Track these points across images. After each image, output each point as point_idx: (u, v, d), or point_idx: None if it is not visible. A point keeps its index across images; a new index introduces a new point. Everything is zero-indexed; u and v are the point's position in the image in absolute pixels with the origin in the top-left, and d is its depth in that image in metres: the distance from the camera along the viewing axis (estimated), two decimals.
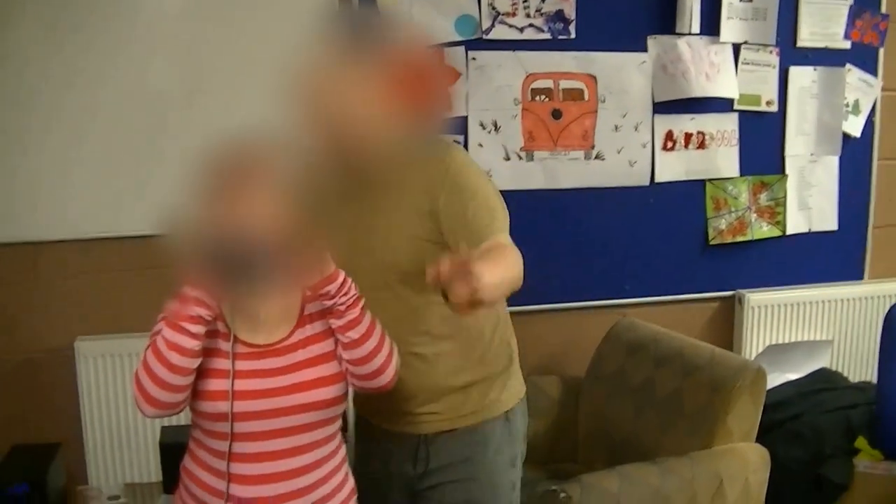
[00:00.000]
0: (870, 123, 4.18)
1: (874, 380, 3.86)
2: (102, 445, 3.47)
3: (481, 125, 3.67)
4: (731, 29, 3.87)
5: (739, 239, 4.06)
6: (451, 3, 3.57)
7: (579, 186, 3.82)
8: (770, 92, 4.00)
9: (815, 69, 4.06)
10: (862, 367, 4.26)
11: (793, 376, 3.98)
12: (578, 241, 3.86)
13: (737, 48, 3.91)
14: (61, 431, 3.46)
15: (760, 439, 3.23)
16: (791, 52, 4.00)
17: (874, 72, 4.14)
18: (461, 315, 1.87)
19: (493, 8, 3.59)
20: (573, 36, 3.71)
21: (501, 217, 2.20)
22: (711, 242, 4.02)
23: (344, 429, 2.23)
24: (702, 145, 3.93)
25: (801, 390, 3.81)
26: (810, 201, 4.15)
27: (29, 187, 3.34)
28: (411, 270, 2.18)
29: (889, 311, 3.69)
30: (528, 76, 3.68)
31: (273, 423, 1.98)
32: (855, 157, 4.18)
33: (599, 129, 3.79)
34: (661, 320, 3.77)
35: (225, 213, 1.90)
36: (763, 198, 4.06)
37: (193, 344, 1.92)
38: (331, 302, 1.99)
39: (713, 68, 3.87)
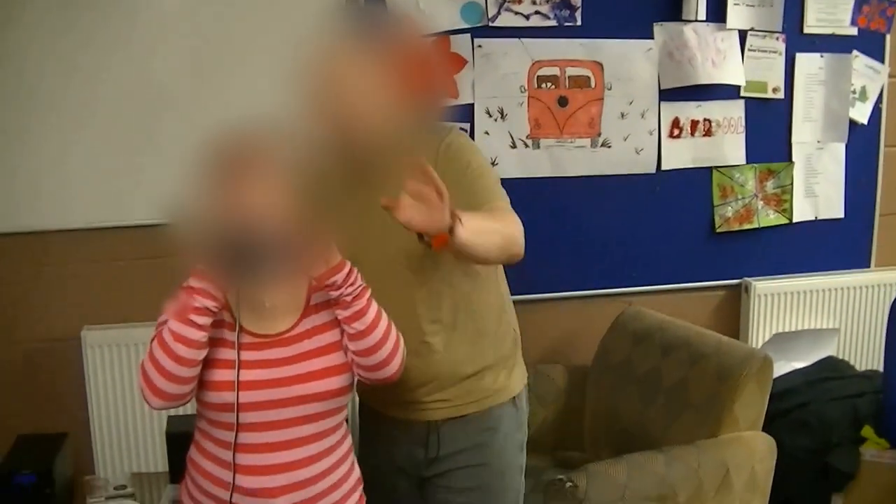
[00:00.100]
0: (877, 110, 4.15)
1: (881, 368, 3.85)
2: (109, 435, 3.48)
3: (487, 113, 3.66)
4: (737, 15, 3.85)
5: (746, 227, 4.05)
6: None
7: (585, 174, 3.81)
8: (776, 79, 3.98)
9: (821, 56, 4.04)
10: (869, 355, 4.24)
11: (799, 365, 3.97)
12: (585, 229, 3.85)
13: (743, 35, 3.89)
14: (68, 421, 3.47)
15: (767, 428, 3.23)
16: (797, 39, 3.98)
17: (881, 58, 4.11)
18: (435, 248, 1.94)
19: None
20: (579, 23, 3.69)
21: (499, 189, 2.23)
22: (718, 230, 4.01)
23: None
24: (708, 132, 3.92)
25: (807, 379, 3.80)
26: (817, 189, 4.14)
27: (35, 177, 3.34)
28: (419, 256, 2.20)
29: None
30: (534, 63, 3.67)
31: (278, 414, 1.98)
32: (862, 144, 4.16)
33: (606, 116, 3.78)
34: (668, 309, 3.76)
35: (230, 202, 1.90)
36: (770, 185, 4.05)
37: (200, 335, 1.92)
38: (337, 292, 1.99)
39: (719, 55, 3.85)
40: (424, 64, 2.09)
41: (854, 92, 4.09)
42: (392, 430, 2.39)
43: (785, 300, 4.08)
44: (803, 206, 4.12)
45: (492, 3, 3.58)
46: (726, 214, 4.01)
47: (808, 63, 4.02)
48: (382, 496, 2.35)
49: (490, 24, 3.60)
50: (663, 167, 3.88)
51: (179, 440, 2.64)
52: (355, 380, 2.11)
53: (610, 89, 3.76)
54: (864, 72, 4.09)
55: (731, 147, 3.97)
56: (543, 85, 3.69)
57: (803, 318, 4.14)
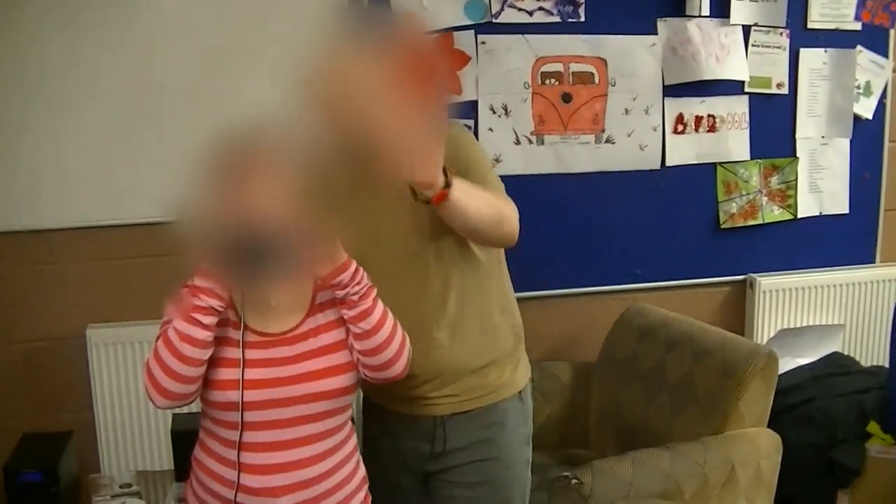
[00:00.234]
0: (881, 105, 4.15)
1: (886, 364, 3.85)
2: (114, 433, 3.48)
3: (491, 109, 3.65)
4: (741, 11, 3.84)
5: (750, 223, 4.04)
6: None
7: (590, 170, 3.80)
8: (780, 74, 3.98)
9: (825, 51, 4.03)
10: (874, 350, 4.24)
11: (804, 361, 3.97)
12: (589, 225, 3.85)
13: (747, 30, 3.89)
14: (73, 420, 3.47)
15: (772, 424, 3.22)
16: (801, 34, 3.98)
17: (885, 53, 4.11)
18: (433, 203, 1.94)
19: None
20: (583, 19, 3.69)
21: (497, 180, 2.26)
22: (722, 226, 4.01)
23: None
24: (712, 128, 3.92)
25: (812, 375, 3.80)
26: (821, 184, 4.13)
27: (39, 175, 3.34)
28: (424, 253, 2.22)
29: None
30: (537, 60, 3.67)
31: (283, 413, 1.98)
32: (866, 139, 4.15)
33: (610, 112, 3.78)
34: (672, 305, 3.76)
35: (234, 201, 1.89)
36: (774, 181, 4.05)
37: (205, 335, 1.92)
38: (343, 291, 1.98)
39: (723, 50, 3.85)
40: (429, 62, 2.09)
41: (858, 87, 4.08)
42: (397, 426, 2.39)
43: (790, 296, 4.08)
44: (808, 201, 4.12)
45: (495, 0, 3.57)
46: (731, 210, 4.00)
47: (812, 58, 4.01)
48: (386, 492, 2.35)
49: (493, 20, 3.59)
50: (667, 163, 3.88)
51: (185, 438, 2.64)
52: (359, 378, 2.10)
53: (614, 85, 3.76)
54: (868, 67, 4.08)
55: (735, 143, 3.97)
56: (547, 81, 3.69)
57: (808, 314, 4.14)
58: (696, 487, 2.92)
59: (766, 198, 4.05)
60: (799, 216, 4.11)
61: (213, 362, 1.96)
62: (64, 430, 3.42)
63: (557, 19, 3.66)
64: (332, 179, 2.17)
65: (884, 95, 4.14)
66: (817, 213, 4.15)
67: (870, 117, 4.13)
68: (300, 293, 2.06)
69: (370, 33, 2.09)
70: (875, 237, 4.25)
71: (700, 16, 3.79)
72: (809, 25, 3.98)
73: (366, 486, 2.17)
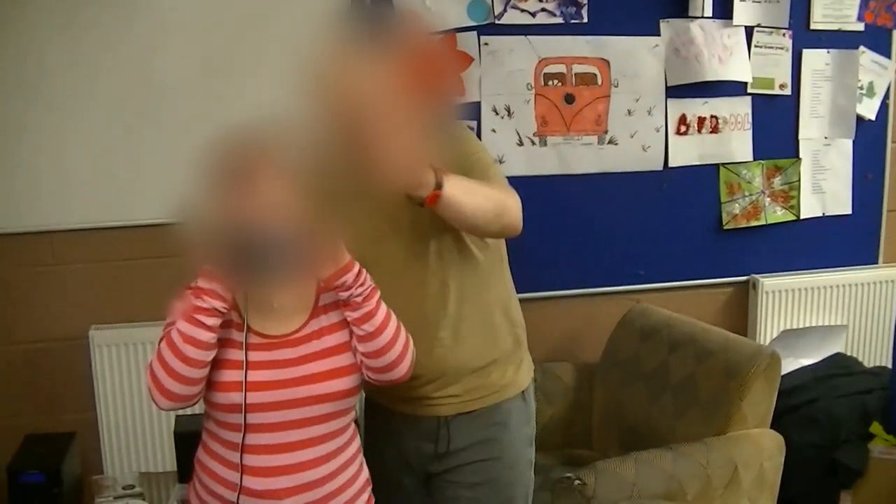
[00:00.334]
0: (884, 106, 4.14)
1: (889, 364, 3.85)
2: (117, 435, 3.48)
3: (494, 111, 3.66)
4: (743, 12, 3.84)
5: (753, 223, 4.04)
6: None
7: (592, 171, 3.81)
8: (783, 75, 3.98)
9: (828, 52, 4.03)
10: (877, 351, 4.24)
11: (807, 361, 3.97)
12: (591, 226, 3.85)
13: (749, 31, 3.89)
14: (76, 421, 3.48)
15: (775, 424, 3.22)
16: (804, 35, 3.98)
17: (888, 54, 4.11)
18: (426, 205, 1.96)
19: None
20: (585, 20, 3.69)
21: (499, 173, 2.26)
22: (725, 227, 4.01)
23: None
24: (715, 129, 3.92)
25: (815, 375, 3.80)
26: (824, 185, 4.13)
27: (41, 176, 3.35)
28: (426, 253, 2.23)
29: None
30: (540, 61, 3.67)
31: (286, 415, 1.98)
32: (869, 140, 4.15)
33: (612, 113, 3.78)
34: (675, 306, 3.76)
35: (237, 202, 1.89)
36: (777, 182, 4.04)
37: (209, 336, 1.91)
38: (347, 293, 1.98)
39: (726, 51, 3.85)
40: (432, 63, 2.09)
41: (861, 88, 4.08)
42: (400, 426, 2.39)
43: (792, 297, 4.08)
44: (811, 202, 4.12)
45: (498, 1, 3.58)
46: (733, 211, 4.00)
47: (814, 59, 4.01)
48: (388, 493, 2.34)
49: (496, 21, 3.60)
50: (670, 164, 3.88)
51: (188, 439, 2.64)
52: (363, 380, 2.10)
53: (616, 86, 3.76)
54: (871, 67, 4.08)
55: (738, 144, 3.97)
56: (550, 82, 3.69)
57: (811, 315, 4.14)
58: (699, 488, 2.92)
59: (768, 199, 4.04)
60: (802, 217, 4.11)
61: (216, 364, 1.96)
62: (67, 431, 3.43)
63: (560, 20, 3.66)
64: (334, 180, 2.17)
65: (886, 96, 4.14)
66: (820, 214, 4.15)
67: (872, 118, 4.13)
68: (303, 295, 2.06)
69: (372, 34, 2.09)
70: (878, 238, 4.25)
71: (703, 17, 3.79)
72: (812, 26, 3.98)
73: (369, 488, 2.17)
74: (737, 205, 4.00)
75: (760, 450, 3.10)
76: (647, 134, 3.83)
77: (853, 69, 4.06)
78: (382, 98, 1.87)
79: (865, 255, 4.25)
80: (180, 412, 2.72)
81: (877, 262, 4.27)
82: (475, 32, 3.59)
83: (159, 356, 1.94)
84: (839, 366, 3.89)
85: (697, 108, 3.88)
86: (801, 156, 4.07)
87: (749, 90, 3.93)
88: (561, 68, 3.69)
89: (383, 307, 2.03)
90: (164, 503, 3.34)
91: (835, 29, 4.00)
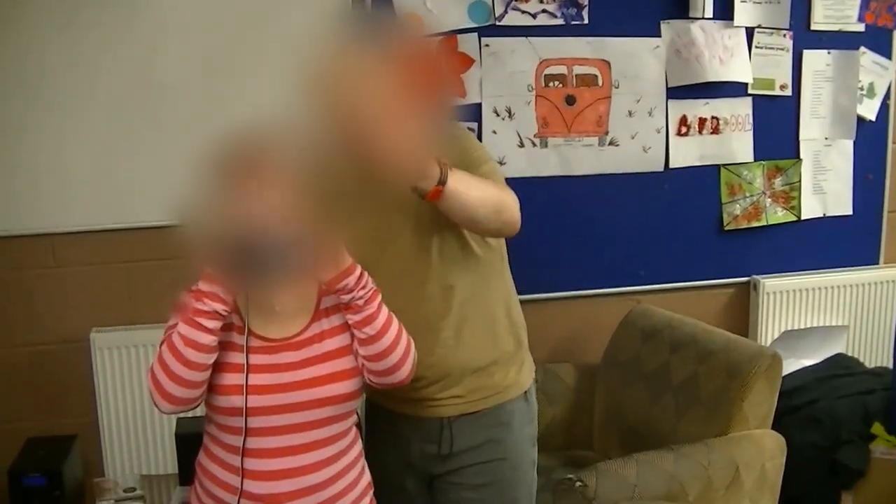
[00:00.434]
0: (884, 107, 4.14)
1: (890, 365, 3.85)
2: (118, 437, 3.48)
3: (495, 112, 3.65)
4: (744, 12, 3.84)
5: (754, 224, 4.04)
6: None
7: (593, 173, 3.80)
8: (784, 76, 3.97)
9: (829, 52, 4.03)
10: (878, 352, 4.23)
11: (808, 362, 3.97)
12: (593, 227, 3.85)
13: (750, 32, 3.88)
14: (77, 423, 3.47)
15: (776, 425, 3.23)
16: (805, 36, 3.97)
17: (889, 54, 4.11)
18: (429, 199, 1.97)
19: None
20: (586, 21, 3.69)
21: (499, 172, 2.28)
22: (726, 228, 4.01)
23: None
24: (716, 130, 3.92)
25: (816, 376, 3.80)
26: (825, 185, 4.13)
27: (44, 179, 3.34)
28: (427, 253, 2.23)
29: None
30: (541, 62, 3.67)
31: (287, 419, 1.98)
32: (870, 140, 4.15)
33: (613, 114, 3.78)
34: (676, 307, 3.76)
35: (239, 205, 1.89)
36: (778, 182, 4.04)
37: (209, 339, 1.91)
38: (349, 296, 1.98)
39: (727, 52, 3.85)
40: (432, 65, 2.10)
41: (862, 88, 4.08)
42: (403, 428, 2.38)
43: (793, 297, 4.08)
44: (811, 203, 4.12)
45: (499, 2, 3.57)
46: (734, 212, 4.00)
47: (815, 60, 4.01)
48: (390, 495, 2.35)
49: (497, 22, 3.59)
50: (671, 165, 3.88)
51: (189, 442, 2.64)
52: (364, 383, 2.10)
53: (617, 87, 3.76)
54: (871, 68, 4.08)
55: (738, 144, 3.97)
56: (551, 83, 3.69)
57: (812, 316, 4.13)
58: (701, 489, 2.92)
59: (769, 199, 4.04)
60: (802, 218, 4.11)
61: (217, 367, 1.96)
62: (68, 434, 3.42)
63: (561, 22, 3.66)
64: (335, 182, 2.17)
65: (887, 97, 4.13)
66: (821, 215, 4.14)
67: (873, 119, 4.12)
68: (305, 298, 2.06)
69: (373, 35, 2.09)
70: (879, 238, 4.25)
71: (703, 18, 3.78)
72: (813, 27, 3.97)
73: (371, 492, 2.17)
74: (738, 205, 4.00)
75: (762, 450, 3.10)
76: (647, 135, 3.83)
77: (854, 70, 4.05)
78: (384, 94, 1.88)
79: (866, 255, 4.24)
80: (181, 414, 2.73)
81: (878, 263, 4.27)
82: (476, 34, 3.59)
83: (160, 359, 1.94)
84: (840, 366, 3.89)
85: (698, 108, 3.87)
86: (801, 156, 4.07)
87: (750, 91, 3.93)
88: (562, 69, 3.69)
89: (384, 310, 2.03)
90: None
91: (835, 30, 4.00)
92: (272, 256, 1.89)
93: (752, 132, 3.97)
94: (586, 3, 3.66)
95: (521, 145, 3.70)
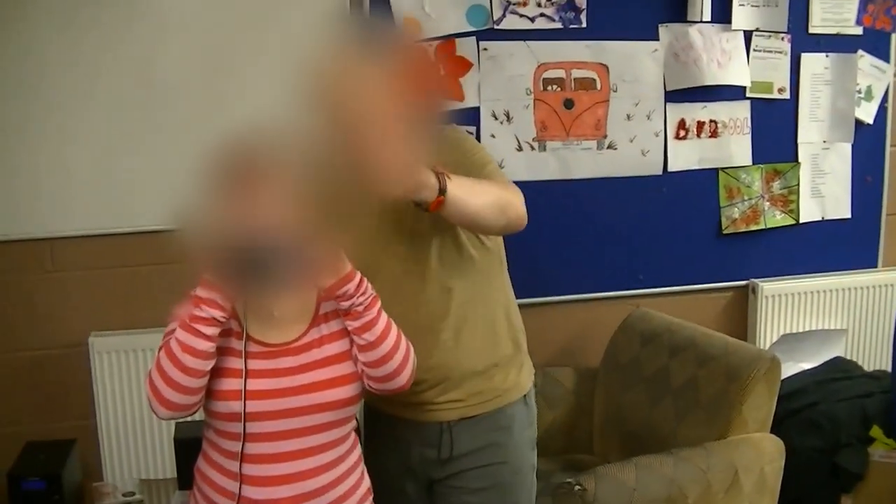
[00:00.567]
0: (882, 110, 4.15)
1: (889, 368, 3.85)
2: (117, 441, 3.47)
3: (493, 116, 3.66)
4: (742, 16, 3.85)
5: (753, 228, 4.05)
6: None
7: (592, 176, 3.80)
8: (782, 79, 3.98)
9: (827, 56, 4.04)
10: (876, 355, 4.24)
11: (807, 365, 3.98)
12: (591, 231, 3.85)
13: (748, 35, 3.89)
14: (76, 428, 3.47)
15: (776, 429, 3.22)
16: (803, 39, 3.98)
17: (887, 58, 4.12)
18: (432, 210, 1.96)
19: None
20: (584, 25, 3.69)
21: (500, 171, 2.30)
22: (724, 231, 4.01)
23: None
24: (714, 133, 3.92)
25: (815, 379, 3.80)
26: (823, 189, 4.13)
27: (41, 183, 3.34)
28: (427, 257, 2.23)
29: None
30: (539, 66, 3.67)
31: (286, 424, 1.97)
32: (868, 143, 4.16)
33: (612, 118, 3.78)
34: (675, 310, 3.76)
35: (238, 210, 1.88)
36: (776, 186, 4.05)
37: (207, 346, 1.91)
38: (348, 302, 1.97)
39: (725, 56, 3.85)
40: (430, 69, 2.10)
41: (860, 91, 4.08)
42: (403, 432, 2.38)
43: (792, 301, 4.08)
44: (810, 206, 4.12)
45: (497, 6, 3.58)
46: (733, 215, 4.00)
47: (813, 63, 4.02)
48: (390, 500, 2.34)
49: (495, 26, 3.60)
50: (669, 168, 3.88)
51: (188, 446, 2.64)
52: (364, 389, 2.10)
53: (616, 91, 3.76)
54: (869, 71, 4.09)
55: (737, 148, 3.97)
56: (549, 87, 3.69)
57: (811, 319, 4.14)
58: (700, 493, 2.92)
59: (768, 203, 4.05)
60: (801, 221, 4.11)
61: (215, 372, 1.95)
62: (67, 438, 3.42)
63: (559, 25, 3.66)
64: (334, 187, 2.17)
65: (885, 100, 4.14)
66: (819, 218, 4.15)
67: (871, 122, 4.13)
68: (304, 303, 2.05)
69: (371, 40, 2.09)
70: (877, 242, 4.26)
71: (702, 21, 3.79)
72: (811, 30, 3.98)
73: (371, 497, 2.16)
74: (736, 209, 4.00)
75: (761, 454, 3.10)
76: (646, 138, 3.83)
77: (852, 73, 4.06)
78: (381, 99, 1.88)
79: (865, 258, 4.25)
80: (180, 419, 2.73)
81: (876, 266, 4.28)
82: (474, 38, 3.59)
83: (158, 365, 1.93)
84: (839, 370, 3.89)
85: (696, 112, 3.88)
86: (800, 160, 4.07)
87: (748, 94, 3.94)
88: (560, 73, 3.70)
89: (384, 316, 2.03)
90: None
91: (833, 33, 4.01)
92: (271, 263, 1.88)
93: (750, 135, 3.97)
94: (584, 6, 3.67)
95: (520, 149, 3.70)
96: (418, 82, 2.08)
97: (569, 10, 3.65)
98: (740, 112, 3.94)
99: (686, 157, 3.90)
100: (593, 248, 3.87)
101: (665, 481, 2.89)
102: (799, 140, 4.06)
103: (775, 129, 4.02)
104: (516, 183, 2.27)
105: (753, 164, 4.00)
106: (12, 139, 3.31)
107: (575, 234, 3.82)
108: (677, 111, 3.85)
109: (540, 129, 3.71)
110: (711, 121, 3.90)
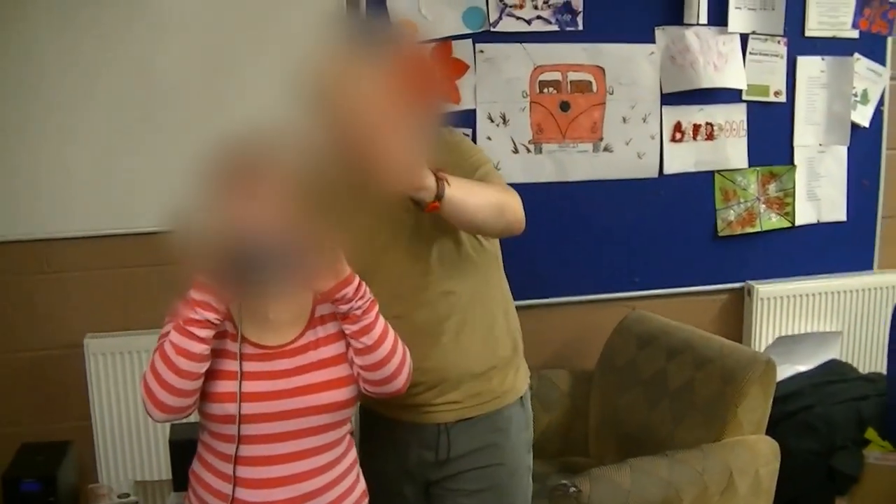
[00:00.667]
0: (878, 113, 4.15)
1: (884, 371, 3.85)
2: (113, 443, 3.47)
3: (489, 118, 3.66)
4: (739, 19, 3.85)
5: (748, 230, 4.05)
6: None
7: (588, 179, 3.80)
8: (778, 82, 3.98)
9: (823, 59, 4.04)
10: (872, 358, 4.24)
11: (803, 368, 3.98)
12: (587, 233, 3.85)
13: (745, 38, 3.89)
14: (72, 429, 3.46)
15: (772, 431, 3.22)
16: (799, 42, 3.98)
17: (883, 61, 4.12)
18: (429, 210, 1.96)
19: (501, 0, 3.58)
20: (581, 28, 3.69)
21: (497, 174, 2.30)
22: (720, 234, 4.01)
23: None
24: (710, 136, 3.92)
25: (811, 382, 3.81)
26: (819, 192, 4.14)
27: (38, 184, 3.34)
28: (426, 259, 2.24)
29: None
30: (536, 68, 3.67)
31: (282, 426, 1.97)
32: (864, 146, 4.16)
33: (608, 120, 3.78)
34: (671, 313, 3.76)
35: (233, 212, 1.88)
36: (772, 188, 4.05)
37: (201, 348, 1.90)
38: (347, 306, 1.97)
39: (721, 59, 3.85)
40: (426, 71, 2.11)
41: (856, 95, 4.09)
42: (400, 434, 2.38)
43: (788, 303, 4.08)
44: (806, 209, 4.12)
45: (493, 9, 3.58)
46: (729, 218, 4.01)
47: (809, 66, 4.02)
48: (388, 503, 2.35)
49: (492, 29, 3.60)
50: (665, 171, 3.88)
51: (183, 448, 2.64)
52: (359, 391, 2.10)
53: (612, 94, 3.76)
54: (865, 74, 4.09)
55: (733, 150, 3.97)
56: (545, 90, 3.69)
57: (806, 322, 4.14)
58: (695, 495, 2.92)
59: (764, 205, 4.05)
60: (797, 224, 4.11)
61: (210, 374, 1.95)
62: (63, 440, 3.42)
63: (556, 28, 3.67)
64: (333, 189, 2.17)
65: (881, 103, 4.15)
66: (815, 221, 4.15)
67: (867, 125, 4.13)
68: (299, 306, 2.05)
69: (368, 42, 2.10)
70: (872, 244, 4.26)
71: (698, 24, 3.79)
72: (807, 33, 3.98)
73: (366, 500, 2.16)
74: (732, 211, 4.01)
75: (756, 456, 3.10)
76: (642, 141, 3.83)
77: (848, 76, 4.06)
78: (377, 101, 1.88)
79: (860, 261, 4.25)
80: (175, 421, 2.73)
81: (871, 269, 4.28)
82: (470, 40, 3.59)
83: (153, 368, 1.93)
84: (834, 372, 3.89)
85: (693, 115, 3.88)
86: (796, 163, 4.07)
87: (744, 97, 3.94)
88: (556, 76, 3.70)
89: (381, 320, 2.02)
90: None
91: (830, 36, 4.01)
92: (266, 265, 1.87)
93: (746, 138, 3.98)
94: (581, 9, 3.67)
95: (516, 151, 3.70)
96: (416, 82, 2.08)
97: (565, 13, 3.66)
98: (736, 115, 3.94)
99: (682, 159, 3.90)
100: (589, 251, 3.87)
101: (660, 483, 2.89)
102: (795, 143, 4.06)
103: (771, 131, 4.02)
104: (512, 185, 2.27)
105: (749, 166, 4.01)
106: (11, 139, 3.30)
107: (571, 237, 3.82)
108: (673, 114, 3.85)
109: (536, 132, 3.71)
110: (707, 123, 3.90)
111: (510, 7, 3.59)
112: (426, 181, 1.93)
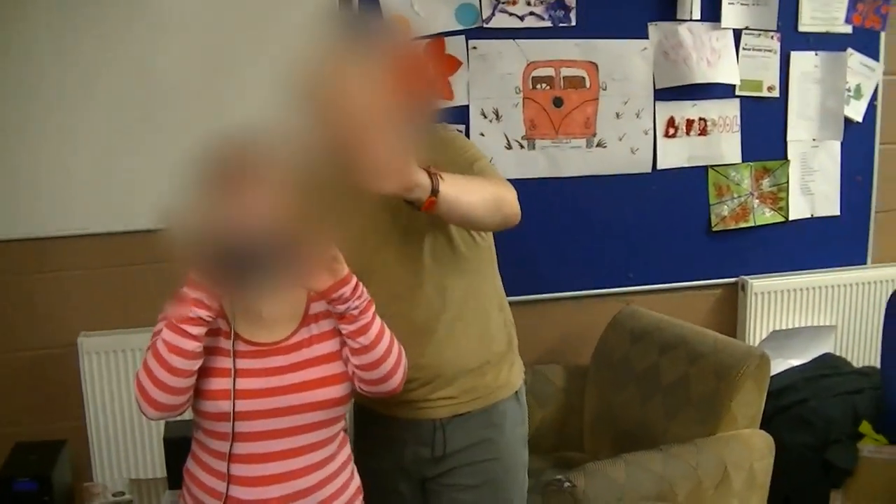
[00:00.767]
0: (872, 108, 4.16)
1: (878, 364, 3.86)
2: (107, 441, 3.47)
3: (482, 114, 3.66)
4: (732, 14, 3.85)
5: (742, 225, 4.05)
6: None
7: (581, 174, 3.81)
8: (772, 77, 3.99)
9: (816, 54, 4.04)
10: (866, 351, 4.25)
11: (797, 362, 3.98)
12: (581, 229, 3.85)
13: (738, 34, 3.89)
14: (66, 428, 3.46)
15: (766, 425, 3.24)
16: (792, 37, 3.99)
17: (876, 56, 4.12)
18: (424, 209, 1.96)
19: None
20: (574, 23, 3.69)
21: (494, 168, 2.31)
22: (714, 229, 4.02)
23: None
24: (704, 132, 3.92)
25: (805, 376, 3.81)
26: (812, 186, 4.14)
27: (33, 183, 3.33)
28: (421, 256, 2.24)
29: (892, 295, 3.70)
30: (528, 64, 3.67)
31: (275, 423, 1.97)
32: (857, 141, 4.16)
33: (601, 116, 3.78)
34: (665, 308, 3.77)
35: (227, 210, 1.88)
36: (765, 183, 4.05)
37: (194, 346, 1.90)
38: (344, 306, 1.96)
39: (714, 54, 3.86)
40: (419, 68, 2.11)
41: (849, 90, 4.09)
42: (396, 431, 2.38)
43: (782, 298, 4.09)
44: (799, 203, 4.13)
45: (486, 5, 3.58)
46: (722, 213, 4.01)
47: (803, 61, 4.02)
48: (383, 499, 2.35)
49: (484, 25, 3.59)
50: (659, 166, 3.89)
51: (177, 445, 2.64)
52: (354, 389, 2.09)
53: (605, 89, 3.76)
54: (858, 69, 4.10)
55: (726, 146, 3.97)
56: (538, 86, 3.69)
57: (800, 316, 4.15)
58: (690, 489, 2.92)
59: (757, 200, 4.05)
60: (790, 218, 4.12)
61: (204, 372, 1.95)
62: (57, 439, 3.41)
63: (548, 24, 3.67)
64: (327, 187, 2.16)
65: (874, 98, 4.15)
66: (809, 216, 4.16)
67: (860, 120, 4.14)
68: (294, 303, 2.04)
69: (360, 38, 2.09)
70: (866, 239, 4.27)
71: (691, 20, 3.79)
72: (800, 28, 3.99)
73: (361, 497, 2.16)
74: (725, 206, 4.01)
75: (750, 450, 3.11)
76: (635, 136, 3.84)
77: (841, 71, 4.07)
78: (370, 98, 1.87)
79: (854, 256, 4.26)
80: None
81: (865, 263, 4.29)
82: (463, 36, 3.59)
83: (145, 366, 1.92)
84: (828, 366, 3.90)
85: (686, 110, 3.88)
86: (789, 157, 4.08)
87: (737, 92, 3.94)
88: (549, 72, 3.70)
89: (378, 320, 2.02)
90: None
91: (823, 31, 4.01)
92: (259, 263, 1.87)
93: (739, 133, 3.98)
94: (574, 5, 3.67)
95: (509, 147, 3.70)
96: (409, 79, 2.08)
97: (558, 9, 3.65)
98: (730, 110, 3.95)
99: (675, 154, 3.91)
100: (583, 246, 3.87)
101: (655, 478, 2.90)
102: (788, 138, 4.06)
103: (765, 126, 4.02)
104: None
105: (743, 161, 4.01)
106: (11, 139, 3.30)
107: (564, 232, 3.83)
108: (667, 109, 3.86)
109: (529, 128, 3.71)
110: (701, 119, 3.90)
111: (503, 3, 3.59)
112: (418, 180, 1.92)
